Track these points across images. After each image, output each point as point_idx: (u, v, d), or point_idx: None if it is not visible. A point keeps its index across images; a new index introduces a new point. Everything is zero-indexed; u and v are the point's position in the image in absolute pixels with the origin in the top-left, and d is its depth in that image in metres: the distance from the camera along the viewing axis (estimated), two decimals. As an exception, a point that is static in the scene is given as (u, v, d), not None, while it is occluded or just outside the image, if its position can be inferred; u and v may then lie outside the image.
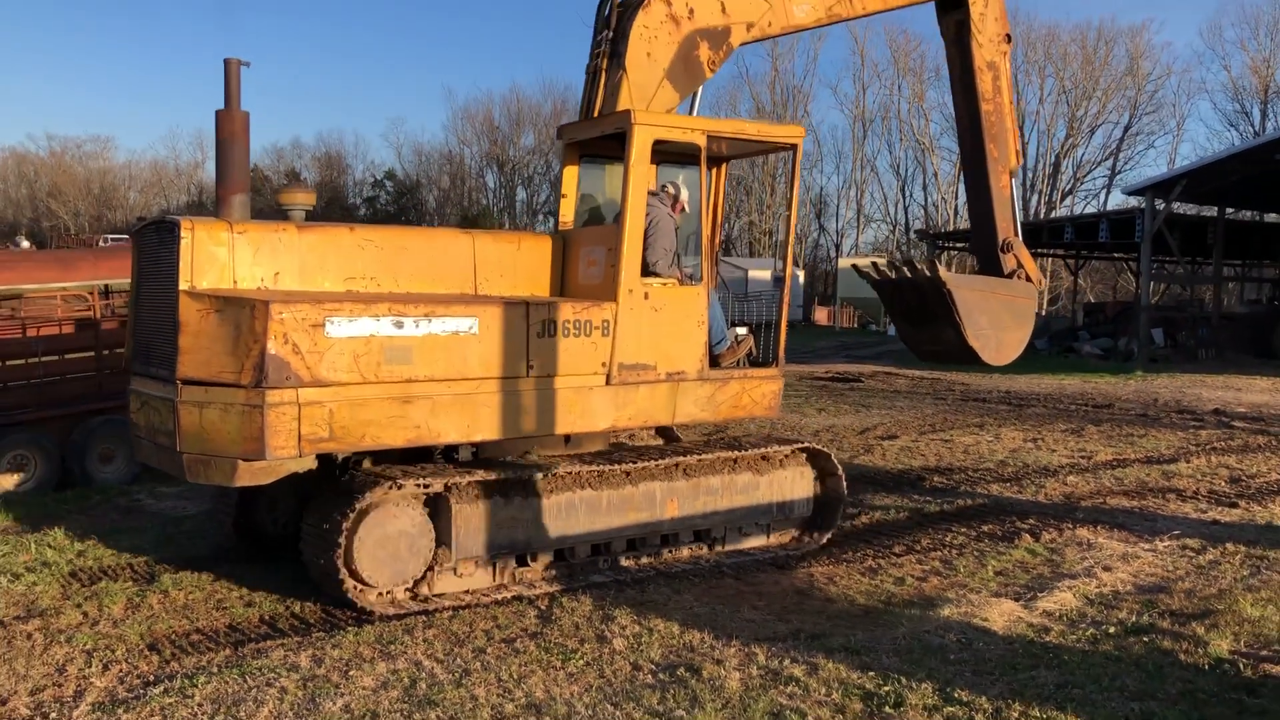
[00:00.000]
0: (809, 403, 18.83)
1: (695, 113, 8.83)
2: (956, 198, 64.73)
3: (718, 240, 9.43)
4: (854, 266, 10.66)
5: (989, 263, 10.15)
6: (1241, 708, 5.13)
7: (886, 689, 5.34)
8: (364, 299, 6.65)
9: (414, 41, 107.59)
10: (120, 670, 5.65)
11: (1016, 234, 10.16)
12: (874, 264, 9.82)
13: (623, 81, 7.94)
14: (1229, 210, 34.31)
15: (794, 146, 8.60)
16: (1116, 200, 60.98)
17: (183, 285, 6.47)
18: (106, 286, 12.96)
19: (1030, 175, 63.55)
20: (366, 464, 7.18)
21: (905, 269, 9.63)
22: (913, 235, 64.29)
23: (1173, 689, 5.37)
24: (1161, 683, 5.47)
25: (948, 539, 8.87)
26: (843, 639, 6.14)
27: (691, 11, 8.23)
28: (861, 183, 68.76)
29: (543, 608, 6.79)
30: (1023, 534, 8.97)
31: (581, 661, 5.78)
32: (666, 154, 8.25)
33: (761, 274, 43.69)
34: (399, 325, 6.56)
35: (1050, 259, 47.88)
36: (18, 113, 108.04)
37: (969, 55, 9.99)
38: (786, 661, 5.74)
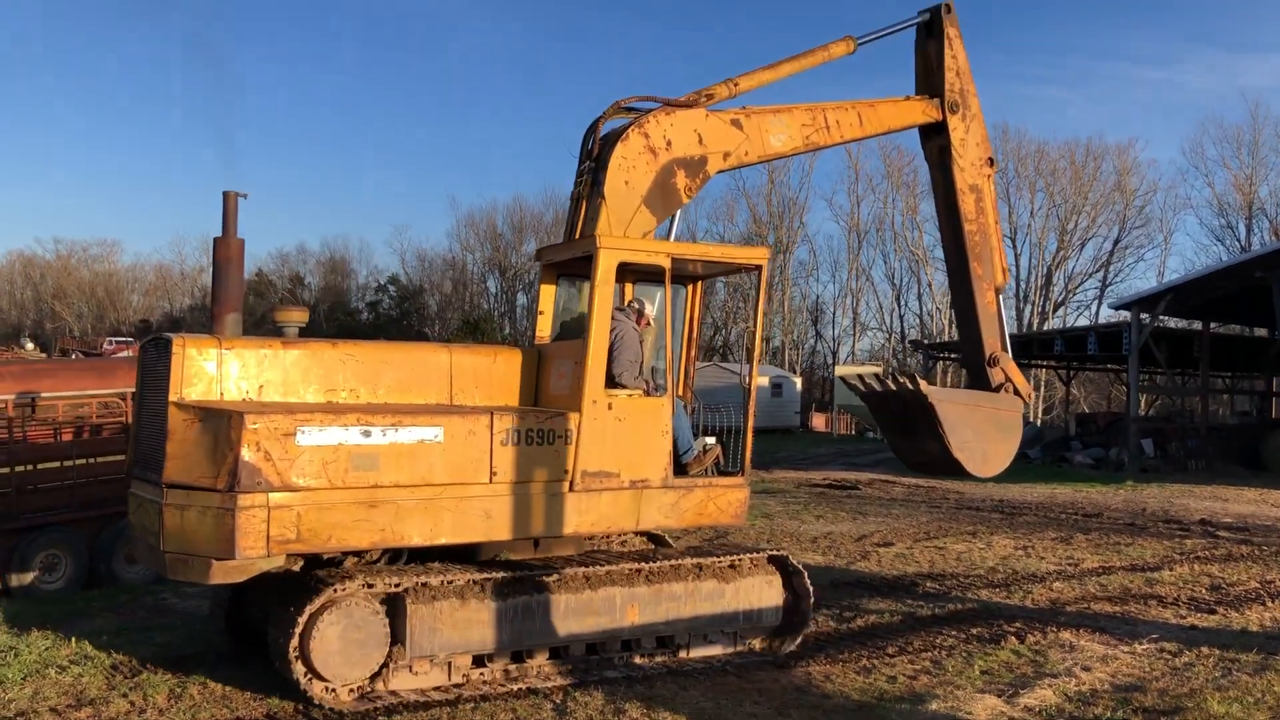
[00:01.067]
0: (807, 509, 19.33)
1: (674, 234, 9.34)
2: (950, 308, 65.93)
3: (694, 353, 9.77)
4: (843, 379, 11.22)
5: (977, 376, 10.57)
6: (1200, 793, 5.62)
7: (877, 775, 5.83)
8: (334, 410, 7.20)
9: (420, 151, 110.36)
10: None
11: (1005, 349, 10.54)
12: (860, 377, 10.26)
13: (601, 208, 8.48)
14: (1214, 324, 35.25)
15: (759, 267, 8.99)
16: (1107, 313, 62.17)
17: (172, 396, 7.10)
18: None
19: (1023, 287, 64.93)
20: (349, 562, 7.68)
21: (889, 382, 10.01)
22: (908, 344, 65.30)
23: (1139, 776, 5.87)
24: (1129, 770, 5.96)
25: (938, 640, 9.34)
26: (838, 731, 6.64)
27: (669, 143, 8.75)
28: (857, 291, 70.20)
29: (556, 702, 7.26)
30: (1009, 636, 9.45)
31: (597, 749, 6.26)
32: (642, 274, 8.79)
33: (759, 380, 44.46)
34: (366, 434, 7.06)
35: (1044, 370, 48.76)
36: (25, 216, 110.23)
37: (951, 178, 10.42)
38: (785, 750, 6.23)
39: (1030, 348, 34.01)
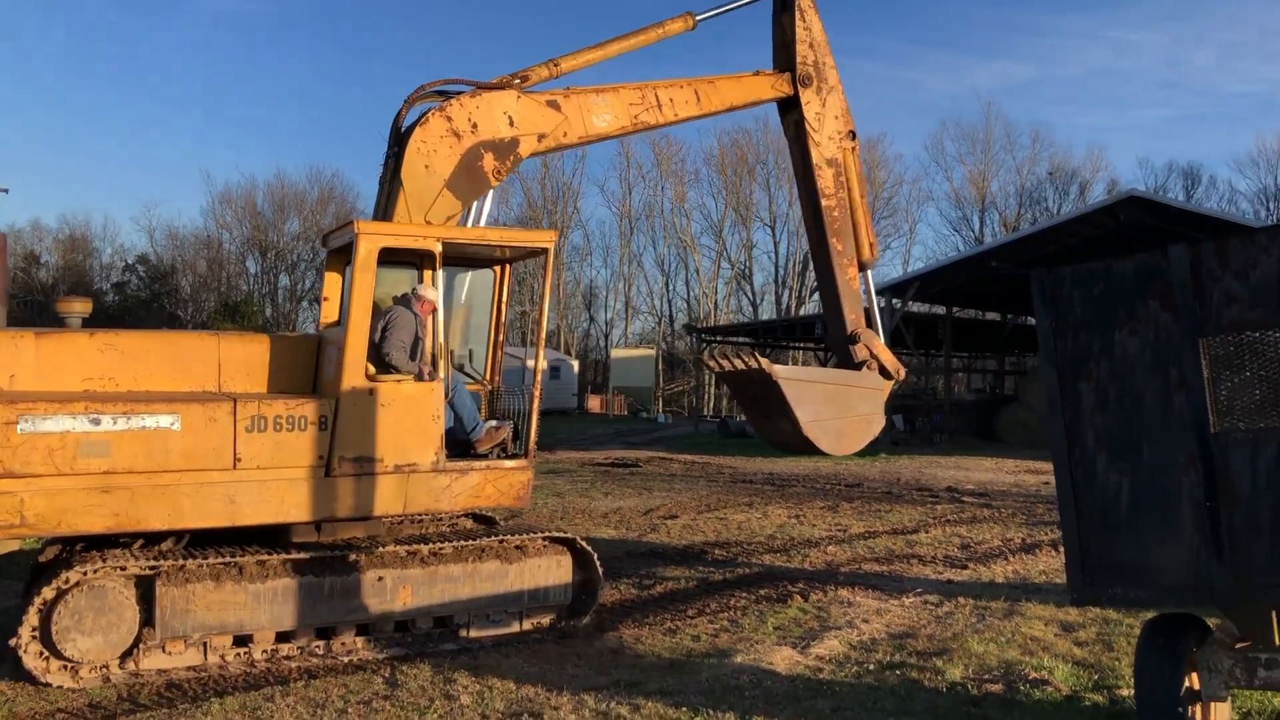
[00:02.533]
0: (595, 487, 20.00)
1: (485, 217, 9.29)
2: (716, 293, 68.58)
3: (502, 336, 9.87)
4: (699, 360, 11.55)
5: (841, 353, 10.51)
6: (968, 715, 6.55)
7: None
8: (60, 399, 7.18)
9: (170, 124, 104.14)
10: (-1, 746, 6.03)
11: (870, 325, 10.52)
12: (714, 357, 9.95)
13: (400, 193, 8.45)
14: (955, 309, 38.42)
15: (545, 250, 8.98)
16: (871, 284, 66.15)
17: None
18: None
19: (782, 273, 68.18)
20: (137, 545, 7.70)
21: (737, 362, 9.75)
22: (678, 328, 67.44)
23: (920, 706, 6.74)
24: (912, 703, 6.84)
25: (732, 602, 10.11)
26: (656, 685, 7.22)
27: (475, 125, 8.64)
28: (629, 276, 71.80)
29: (385, 675, 7.52)
30: (794, 596, 10.33)
31: (436, 715, 6.60)
32: (421, 258, 8.78)
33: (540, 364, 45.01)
34: (96, 422, 7.12)
35: (802, 351, 51.57)
36: None
37: (807, 153, 10.30)
38: (613, 704, 6.76)
39: (793, 331, 36.05)
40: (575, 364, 56.79)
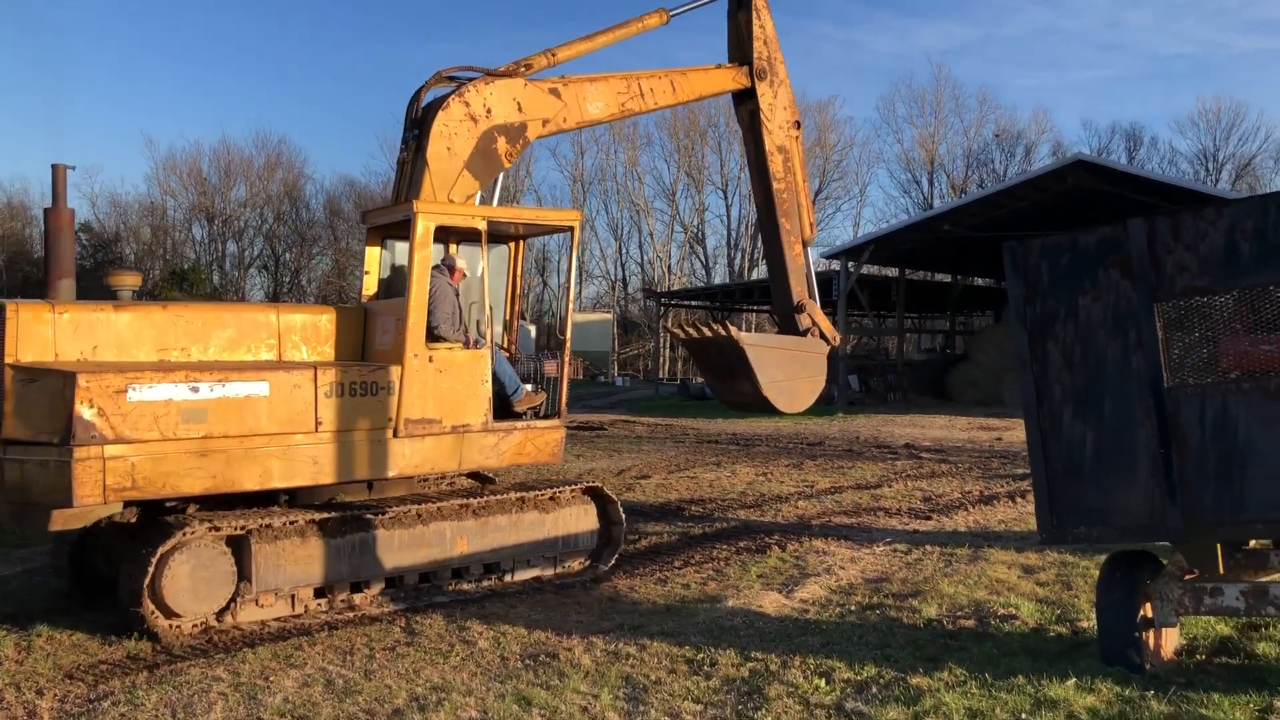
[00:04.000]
0: (566, 450, 20.49)
1: (497, 196, 10.27)
2: (670, 256, 69.07)
3: (517, 307, 10.69)
4: (661, 324, 12.36)
5: (786, 322, 11.59)
6: (946, 647, 7.20)
7: (701, 656, 7.04)
8: (164, 368, 7.65)
9: (110, 86, 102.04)
10: (56, 695, 6.45)
11: (812, 296, 11.68)
12: (681, 326, 11.40)
13: (425, 173, 9.09)
14: (907, 271, 39.31)
15: (571, 228, 9.85)
16: (810, 258, 66.97)
17: (7, 359, 7.42)
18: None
19: (734, 235, 68.80)
20: (191, 508, 8.16)
21: (705, 330, 10.92)
22: (634, 292, 67.92)
23: (902, 640, 7.39)
24: (893, 637, 7.49)
25: (714, 554, 10.72)
26: (658, 627, 7.81)
27: (489, 110, 9.40)
28: (583, 241, 71.97)
29: (402, 625, 8.03)
30: (772, 547, 10.96)
31: (458, 658, 7.12)
32: (463, 236, 9.60)
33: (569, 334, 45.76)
34: (195, 390, 7.59)
35: (757, 315, 52.34)
36: None
37: (761, 140, 11.29)
38: (621, 644, 7.33)
39: (751, 294, 36.73)
40: (532, 329, 57.09)
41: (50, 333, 7.62)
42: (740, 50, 11.40)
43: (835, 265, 33.74)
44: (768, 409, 11.08)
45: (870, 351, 41.34)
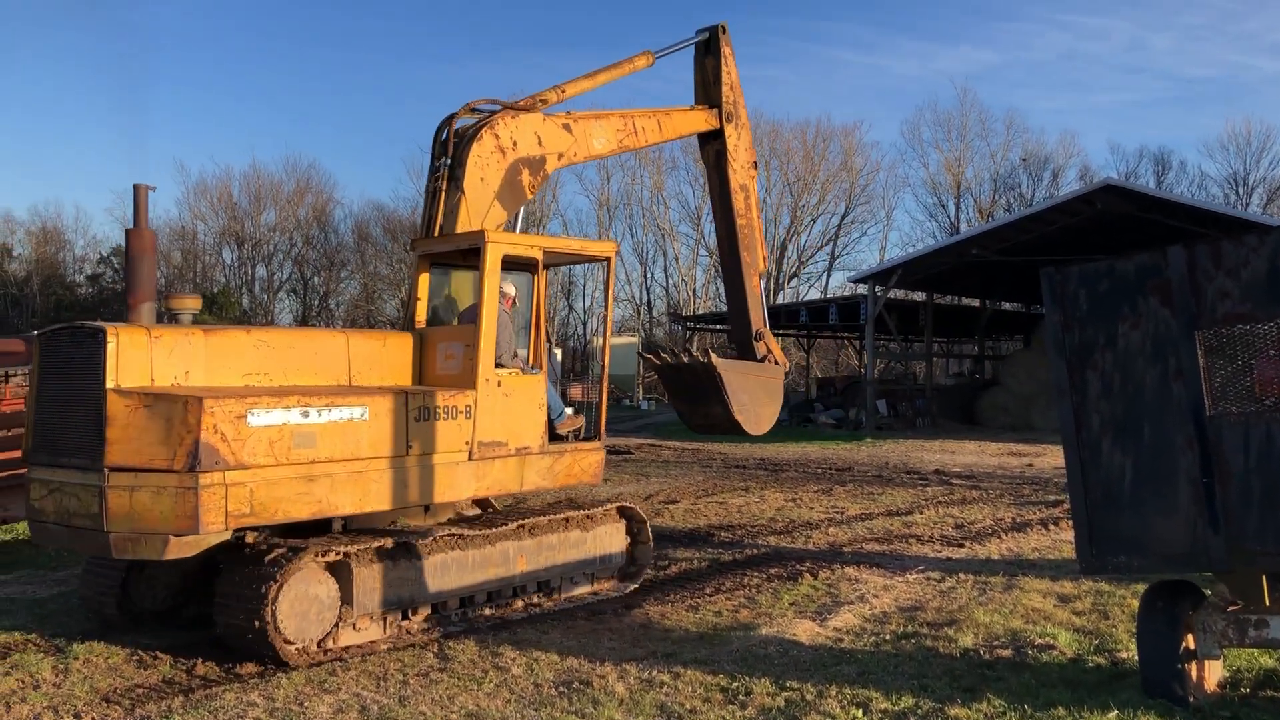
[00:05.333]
0: (593, 474, 20.50)
1: (519, 228, 10.43)
2: (695, 280, 69.12)
3: (543, 334, 10.91)
4: (639, 353, 12.55)
5: (744, 349, 12.15)
6: (983, 677, 7.12)
7: (736, 684, 7.00)
8: (278, 393, 7.76)
9: (145, 113, 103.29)
10: (93, 717, 6.48)
11: (765, 325, 12.26)
12: (656, 352, 11.72)
13: (461, 202, 9.38)
14: (935, 295, 39.13)
15: (608, 258, 10.28)
16: (837, 281, 66.92)
17: (109, 384, 7.36)
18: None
19: (761, 259, 68.61)
20: (250, 536, 8.17)
21: (683, 356, 11.45)
22: (660, 316, 67.98)
23: (938, 670, 7.32)
24: (929, 666, 7.42)
25: (745, 580, 10.66)
26: (691, 655, 7.76)
27: (515, 143, 9.83)
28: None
29: (435, 651, 8.02)
30: (804, 574, 10.89)
31: (491, 685, 7.10)
32: (517, 265, 9.77)
33: (606, 360, 46.26)
34: (305, 414, 7.71)
35: (784, 338, 52.26)
36: None
37: (726, 179, 11.99)
38: (654, 672, 7.29)
39: (778, 317, 36.63)
40: (559, 352, 57.17)
41: (147, 357, 7.61)
42: (705, 93, 12.02)
43: (862, 289, 33.60)
44: (736, 431, 11.48)
45: (898, 376, 41.12)
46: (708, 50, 11.98)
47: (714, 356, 11.15)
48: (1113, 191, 29.17)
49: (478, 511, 10.33)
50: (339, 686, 7.06)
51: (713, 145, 12.05)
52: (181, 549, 7.27)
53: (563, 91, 10.48)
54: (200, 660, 7.72)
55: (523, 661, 7.64)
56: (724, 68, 11.90)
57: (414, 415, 8.38)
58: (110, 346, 7.42)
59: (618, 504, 10.22)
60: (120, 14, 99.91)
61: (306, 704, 6.68)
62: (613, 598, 9.87)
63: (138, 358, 7.56)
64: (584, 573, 9.88)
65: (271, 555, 7.67)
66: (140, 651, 7.95)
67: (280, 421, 7.54)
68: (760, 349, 12.03)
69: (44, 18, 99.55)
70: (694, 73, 12.12)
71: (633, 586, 10.12)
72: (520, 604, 9.27)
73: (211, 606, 7.88)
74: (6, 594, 10.28)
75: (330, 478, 7.84)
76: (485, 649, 8.03)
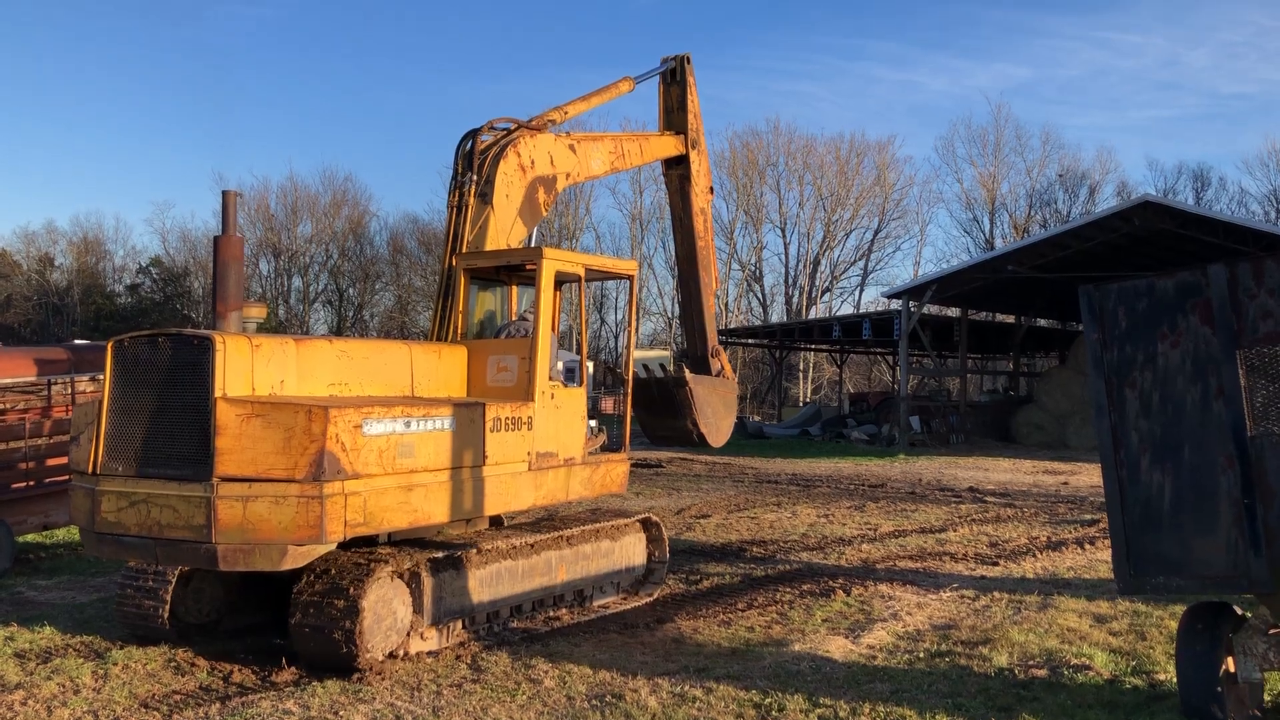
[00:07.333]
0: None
1: (532, 244, 10.63)
2: (728, 294, 69.06)
3: (585, 347, 11.05)
4: (607, 368, 12.60)
5: (700, 364, 12.55)
6: (1019, 697, 7.07)
7: (769, 701, 6.98)
8: (385, 403, 7.83)
9: (183, 126, 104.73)
10: (132, 723, 6.57)
11: (717, 341, 12.77)
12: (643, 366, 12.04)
13: (489, 218, 9.59)
14: (970, 311, 38.90)
15: (631, 276, 10.58)
16: (870, 296, 66.61)
17: (217, 393, 7.28)
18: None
19: (792, 275, 68.57)
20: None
21: (656, 371, 11.82)
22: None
23: (973, 689, 7.27)
24: (964, 685, 7.36)
25: (778, 596, 10.63)
26: (723, 670, 7.75)
27: (533, 163, 10.20)
28: (640, 279, 72.27)
29: (468, 662, 8.05)
30: (836, 591, 10.85)
31: (524, 697, 7.13)
32: (523, 277, 10.07)
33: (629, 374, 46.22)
34: (407, 424, 7.77)
35: (813, 353, 52.12)
36: None
37: (689, 202, 12.50)
38: (686, 687, 7.29)
39: (811, 333, 36.59)
40: (592, 365, 57.32)
41: (249, 366, 7.58)
42: (669, 119, 12.56)
43: (896, 305, 33.46)
44: (700, 443, 11.85)
45: (932, 392, 40.88)
46: (674, 78, 12.56)
47: (687, 373, 11.53)
48: (1151, 208, 28.91)
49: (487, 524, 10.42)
50: (374, 696, 7.10)
51: (677, 170, 12.61)
52: (298, 558, 7.25)
53: (565, 112, 10.93)
54: (237, 668, 7.81)
55: (555, 674, 7.66)
56: (689, 96, 12.45)
57: (490, 426, 8.51)
58: (218, 355, 7.34)
59: (640, 516, 10.51)
60: (180, 31, 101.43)
61: (341, 713, 6.72)
62: (641, 609, 9.91)
63: (242, 366, 7.52)
64: (611, 582, 10.05)
65: (354, 566, 7.70)
66: (178, 659, 8.04)
67: (388, 431, 7.61)
68: (715, 365, 12.47)
69: (115, 29, 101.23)
70: (659, 99, 12.66)
71: (652, 596, 10.33)
72: (564, 613, 9.46)
73: (252, 618, 7.96)
74: (48, 599, 10.43)
75: (425, 487, 7.95)
76: (518, 660, 8.05)
